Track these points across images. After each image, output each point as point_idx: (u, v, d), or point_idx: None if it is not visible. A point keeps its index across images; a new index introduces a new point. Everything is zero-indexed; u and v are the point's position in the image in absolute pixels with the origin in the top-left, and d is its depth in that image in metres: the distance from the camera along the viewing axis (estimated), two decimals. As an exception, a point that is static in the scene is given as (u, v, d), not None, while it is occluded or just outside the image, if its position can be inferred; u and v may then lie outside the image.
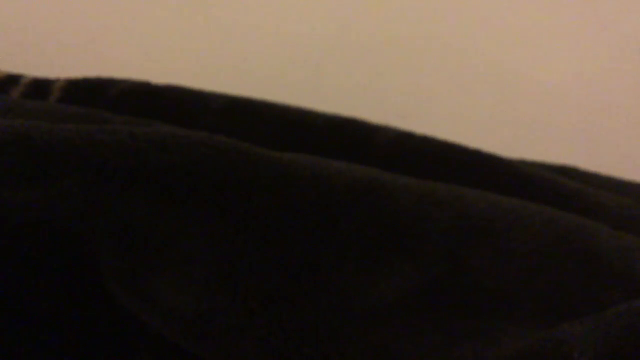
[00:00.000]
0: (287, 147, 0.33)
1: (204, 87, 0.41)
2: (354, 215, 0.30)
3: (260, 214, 0.29)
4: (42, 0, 0.57)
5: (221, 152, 0.30)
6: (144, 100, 0.40)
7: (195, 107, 0.39)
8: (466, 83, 0.56)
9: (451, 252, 0.29)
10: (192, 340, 0.27)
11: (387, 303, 0.28)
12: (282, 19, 0.56)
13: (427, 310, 0.28)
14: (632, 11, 0.55)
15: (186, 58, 0.57)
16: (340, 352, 0.27)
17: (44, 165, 0.28)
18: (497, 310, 0.28)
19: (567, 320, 0.26)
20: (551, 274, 0.29)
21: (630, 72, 0.55)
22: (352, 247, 0.29)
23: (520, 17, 0.56)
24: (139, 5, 0.57)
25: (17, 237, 0.28)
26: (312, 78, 0.56)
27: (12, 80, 0.41)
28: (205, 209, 0.29)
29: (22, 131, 0.28)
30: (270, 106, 0.40)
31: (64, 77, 0.41)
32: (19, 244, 0.28)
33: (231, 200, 0.29)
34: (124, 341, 0.29)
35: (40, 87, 0.41)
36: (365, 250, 0.29)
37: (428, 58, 0.56)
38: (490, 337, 0.27)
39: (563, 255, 0.30)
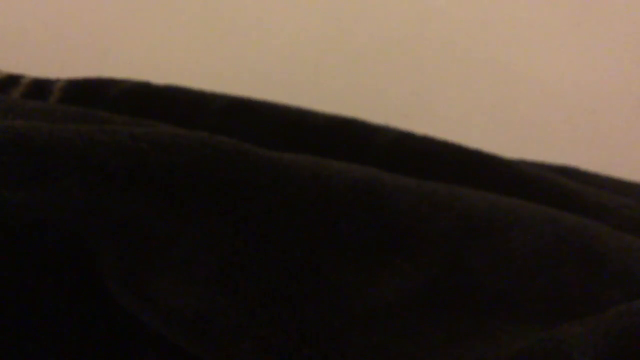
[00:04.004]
0: (287, 147, 0.33)
1: (204, 87, 0.41)
2: (354, 215, 0.30)
3: (260, 214, 0.29)
4: (42, 0, 0.57)
5: (221, 152, 0.30)
6: (144, 100, 0.40)
7: (195, 107, 0.39)
8: (466, 83, 0.56)
9: (451, 252, 0.29)
10: (192, 340, 0.27)
11: (387, 303, 0.28)
12: (282, 19, 0.56)
13: (427, 310, 0.28)
14: (632, 11, 0.55)
15: (186, 58, 0.57)
16: (340, 352, 0.27)
17: (44, 165, 0.28)
18: (497, 310, 0.28)
19: (567, 320, 0.26)
20: (551, 274, 0.29)
21: (630, 72, 0.55)
22: (352, 247, 0.29)
23: (521, 17, 0.56)
24: (139, 5, 0.57)
25: (17, 237, 0.28)
26: (312, 78, 0.56)
27: (12, 80, 0.41)
28: (205, 209, 0.29)
29: (22, 131, 0.28)
30: (270, 106, 0.40)
31: (64, 77, 0.41)
32: (19, 243, 0.28)
33: (231, 200, 0.29)
34: (124, 341, 0.29)
35: (40, 87, 0.40)
36: (365, 250, 0.29)
37: (428, 58, 0.56)
38: (490, 337, 0.27)
39: (563, 255, 0.30)
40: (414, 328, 0.28)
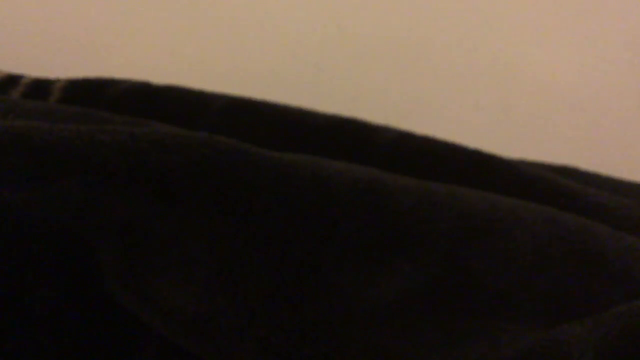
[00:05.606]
0: (287, 147, 0.33)
1: (204, 87, 0.41)
2: (354, 215, 0.30)
3: (260, 214, 0.29)
4: (42, 0, 0.57)
5: (221, 152, 0.30)
6: (144, 100, 0.40)
7: (195, 107, 0.39)
8: (466, 83, 0.56)
9: (451, 252, 0.29)
10: (192, 340, 0.27)
11: (387, 303, 0.28)
12: (282, 19, 0.56)
13: (427, 310, 0.28)
14: (632, 11, 0.55)
15: (186, 58, 0.57)
16: (340, 352, 0.27)
17: (44, 165, 0.28)
18: (497, 310, 0.28)
19: (567, 320, 0.26)
20: (551, 274, 0.29)
21: (631, 72, 0.55)
22: (352, 247, 0.29)
23: (521, 17, 0.56)
24: (139, 5, 0.57)
25: (17, 236, 0.28)
26: (312, 78, 0.56)
27: (12, 80, 0.41)
28: (205, 209, 0.29)
29: (22, 131, 0.28)
30: (270, 106, 0.40)
31: (64, 77, 0.41)
32: (19, 243, 0.28)
33: (231, 200, 0.29)
34: (124, 341, 0.29)
35: (40, 87, 0.41)
36: (365, 250, 0.29)
37: (428, 58, 0.56)
38: (490, 337, 0.27)
39: (563, 255, 0.30)
40: (414, 328, 0.28)
